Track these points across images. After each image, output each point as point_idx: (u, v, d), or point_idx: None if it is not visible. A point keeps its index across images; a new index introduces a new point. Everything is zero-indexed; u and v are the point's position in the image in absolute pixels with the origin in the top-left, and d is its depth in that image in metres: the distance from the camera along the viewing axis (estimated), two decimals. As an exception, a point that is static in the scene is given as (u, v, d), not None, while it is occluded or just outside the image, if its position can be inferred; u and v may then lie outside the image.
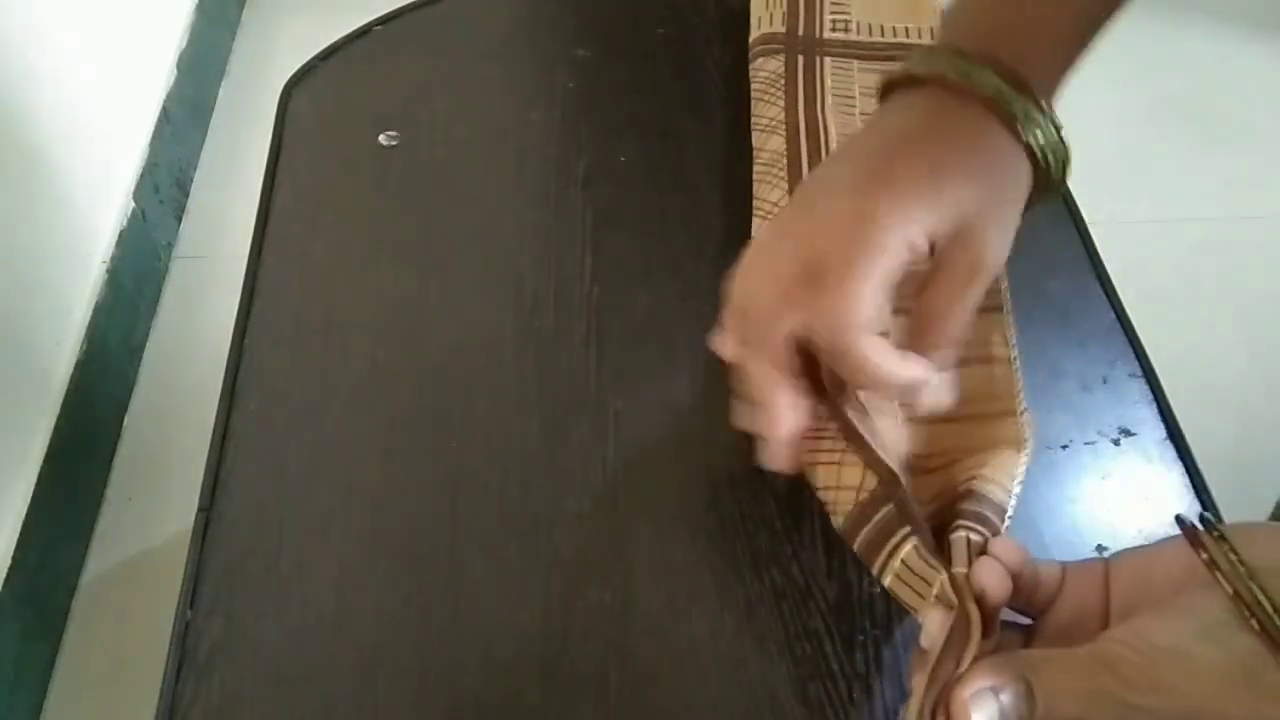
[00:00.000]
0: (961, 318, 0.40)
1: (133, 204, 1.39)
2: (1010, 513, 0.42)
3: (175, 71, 1.55)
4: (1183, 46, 1.78)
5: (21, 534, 1.09)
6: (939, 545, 0.40)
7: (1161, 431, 0.51)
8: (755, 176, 0.59)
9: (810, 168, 0.58)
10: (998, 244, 0.39)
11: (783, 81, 0.63)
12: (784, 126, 0.60)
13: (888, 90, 0.42)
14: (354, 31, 0.70)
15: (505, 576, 0.45)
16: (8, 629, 1.05)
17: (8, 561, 1.06)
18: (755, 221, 0.57)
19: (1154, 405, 0.52)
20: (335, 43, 0.69)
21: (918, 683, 0.35)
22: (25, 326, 1.14)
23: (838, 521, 0.43)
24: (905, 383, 0.39)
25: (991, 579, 0.37)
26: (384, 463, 0.49)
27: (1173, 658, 0.31)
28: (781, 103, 0.61)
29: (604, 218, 0.59)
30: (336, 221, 0.60)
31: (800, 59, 0.64)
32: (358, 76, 0.68)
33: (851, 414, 0.43)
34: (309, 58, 0.68)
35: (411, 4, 0.72)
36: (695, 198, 0.60)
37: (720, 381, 0.51)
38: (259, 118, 0.76)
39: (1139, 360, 0.53)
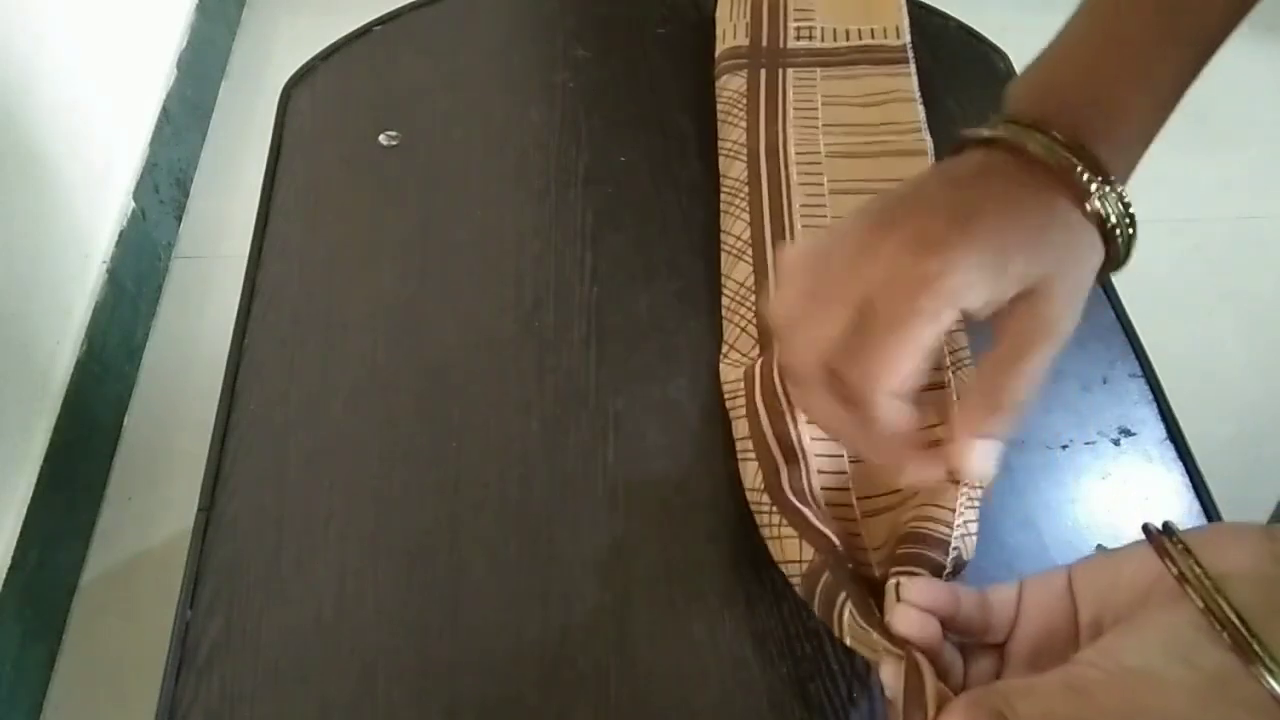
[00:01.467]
0: (1021, 385, 0.39)
1: (133, 204, 1.39)
2: (954, 544, 0.41)
3: (175, 71, 1.55)
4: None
5: (21, 534, 1.09)
6: (879, 597, 0.40)
7: (1161, 431, 0.51)
8: (721, 207, 0.58)
9: (770, 194, 0.57)
10: (1065, 312, 0.39)
11: (745, 101, 0.62)
12: (744, 151, 0.60)
13: (959, 149, 0.42)
14: (354, 31, 0.70)
15: (505, 576, 0.45)
16: (8, 629, 1.05)
17: (8, 561, 1.06)
18: (722, 255, 0.56)
19: (1154, 405, 0.52)
20: (335, 43, 0.69)
21: None
22: (25, 326, 1.14)
23: (799, 590, 0.43)
24: (890, 459, 0.39)
25: (907, 626, 0.37)
26: (384, 463, 0.49)
27: (1144, 679, 0.31)
28: (743, 124, 0.61)
29: (604, 218, 0.59)
30: (336, 221, 0.60)
31: (763, 74, 0.64)
32: (358, 76, 0.68)
33: (786, 476, 0.44)
34: (309, 58, 0.68)
35: (411, 4, 0.72)
36: (695, 198, 0.60)
37: (719, 382, 0.51)
38: (259, 118, 0.76)
39: (1139, 360, 0.53)
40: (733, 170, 0.59)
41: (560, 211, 0.59)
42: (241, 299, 0.56)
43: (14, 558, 1.07)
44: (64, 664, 1.13)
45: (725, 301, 0.54)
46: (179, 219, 1.54)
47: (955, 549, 0.41)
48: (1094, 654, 0.33)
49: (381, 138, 0.63)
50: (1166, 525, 0.34)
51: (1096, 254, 0.39)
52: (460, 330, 0.54)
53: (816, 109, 0.62)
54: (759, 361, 0.50)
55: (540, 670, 0.43)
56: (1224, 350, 1.44)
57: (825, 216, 0.56)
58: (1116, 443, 0.50)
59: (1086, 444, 0.50)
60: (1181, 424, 0.51)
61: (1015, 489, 0.48)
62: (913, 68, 0.64)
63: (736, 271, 0.55)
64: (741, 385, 0.50)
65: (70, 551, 1.19)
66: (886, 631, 0.37)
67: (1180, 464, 0.50)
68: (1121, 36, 0.41)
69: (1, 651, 1.04)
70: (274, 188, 0.61)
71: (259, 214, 0.60)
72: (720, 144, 0.61)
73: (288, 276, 0.57)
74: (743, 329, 0.52)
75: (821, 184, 0.58)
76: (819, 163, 0.59)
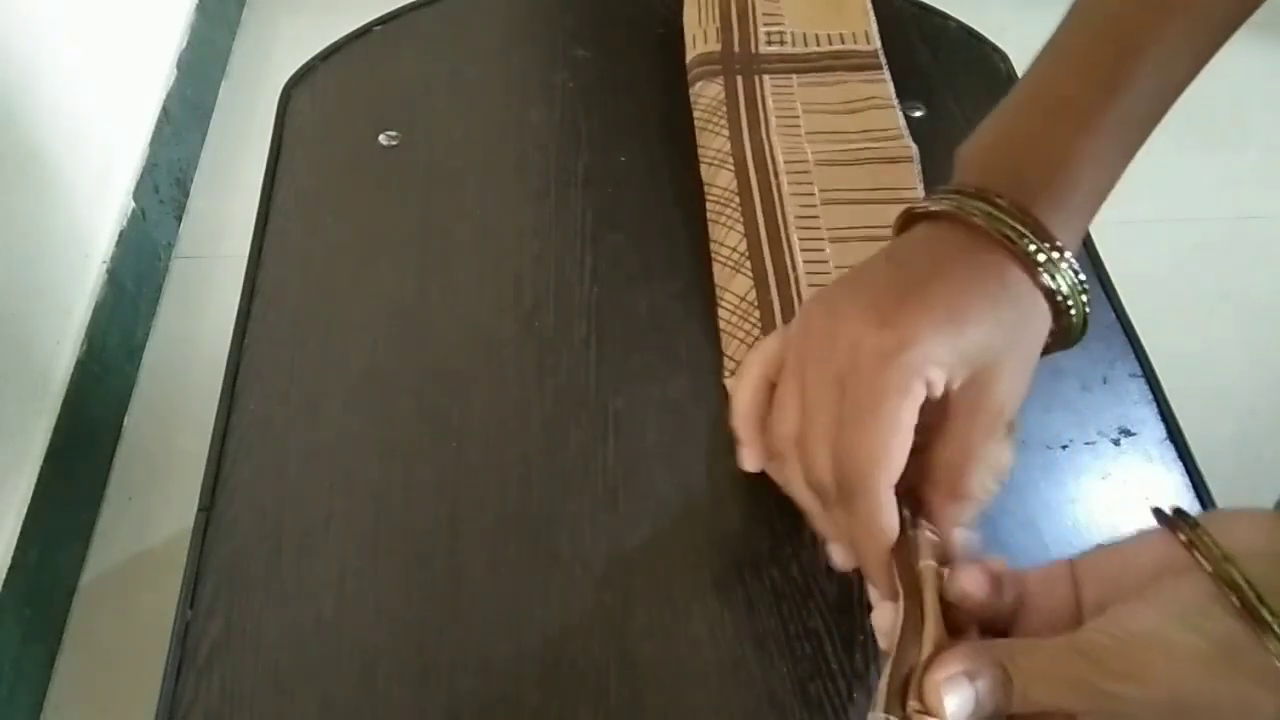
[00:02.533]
0: (978, 467, 0.39)
1: (133, 204, 1.39)
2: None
3: (175, 71, 1.55)
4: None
5: (21, 534, 1.09)
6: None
7: (1161, 431, 0.51)
8: (709, 217, 0.58)
9: (762, 204, 0.57)
10: (1013, 390, 0.39)
11: (724, 109, 0.62)
12: (731, 160, 0.59)
13: (907, 222, 0.42)
14: (354, 31, 0.70)
15: (505, 576, 0.45)
16: (8, 629, 1.05)
17: (8, 561, 1.06)
18: (715, 266, 0.56)
19: (1154, 405, 0.52)
20: (335, 43, 0.69)
21: (884, 674, 0.36)
22: (25, 326, 1.14)
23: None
24: (876, 575, 0.39)
25: (976, 586, 0.36)
26: (384, 463, 0.49)
27: (1152, 644, 0.31)
28: (726, 133, 0.61)
29: (604, 218, 0.59)
30: (336, 221, 0.60)
31: (739, 80, 0.64)
32: (358, 76, 0.68)
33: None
34: (309, 58, 0.68)
35: (411, 4, 0.72)
36: (695, 198, 0.60)
37: (719, 382, 0.51)
38: (259, 118, 0.76)
39: (1139, 360, 0.53)
40: (719, 179, 0.59)
41: (560, 212, 0.59)
42: (241, 299, 0.56)
43: (14, 558, 1.07)
44: (64, 664, 1.13)
45: (724, 314, 0.53)
46: (179, 219, 1.54)
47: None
48: (1102, 622, 0.33)
49: (381, 138, 0.63)
50: (1177, 510, 0.34)
51: (1046, 324, 0.39)
52: (460, 330, 0.54)
53: (798, 116, 0.62)
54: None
55: (540, 670, 0.43)
56: (1224, 350, 1.43)
57: (819, 226, 0.56)
58: (1116, 443, 0.50)
59: (1086, 444, 0.50)
60: (1181, 424, 0.51)
61: (1015, 489, 0.48)
62: (887, 74, 0.64)
63: (735, 284, 0.54)
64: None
65: (70, 551, 1.19)
66: (895, 568, 0.38)
67: (1180, 464, 0.50)
68: (1065, 100, 0.40)
69: (1, 651, 1.04)
70: (274, 188, 0.61)
71: (259, 214, 0.60)
72: (702, 152, 0.61)
73: (288, 276, 0.57)
74: (746, 344, 0.52)
75: (813, 193, 0.58)
76: (809, 171, 0.59)
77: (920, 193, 0.58)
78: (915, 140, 0.61)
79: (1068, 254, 0.39)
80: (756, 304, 0.53)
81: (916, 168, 0.59)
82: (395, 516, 0.47)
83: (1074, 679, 0.32)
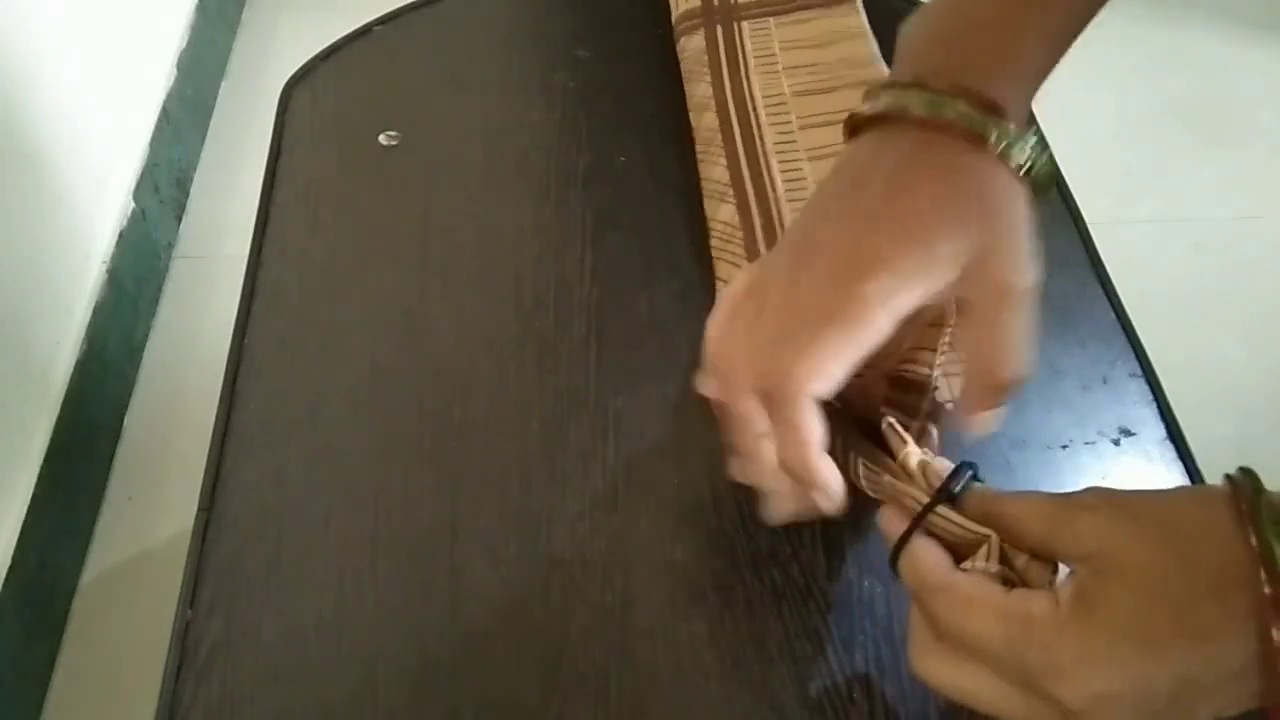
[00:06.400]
0: (1013, 347, 0.38)
1: (133, 204, 1.39)
2: (935, 383, 0.43)
3: (175, 71, 1.55)
4: (1183, 46, 1.78)
5: (21, 534, 1.09)
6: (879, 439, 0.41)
7: (1161, 431, 0.51)
8: (697, 156, 0.61)
9: (743, 138, 0.60)
10: (1017, 266, 0.38)
11: (706, 58, 0.65)
12: (713, 102, 0.62)
13: (854, 129, 0.41)
14: (354, 31, 0.70)
15: (505, 576, 0.45)
16: (8, 629, 1.05)
17: (8, 561, 1.06)
18: (706, 201, 0.58)
19: (1154, 405, 0.52)
20: (335, 43, 0.69)
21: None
22: (25, 326, 1.14)
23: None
24: (811, 475, 0.39)
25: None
26: (384, 463, 0.49)
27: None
28: (708, 78, 0.64)
29: (604, 218, 0.59)
30: (336, 221, 0.60)
31: (719, 29, 0.66)
32: (358, 76, 0.68)
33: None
34: (309, 58, 0.68)
35: (411, 4, 0.72)
36: (695, 198, 0.60)
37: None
38: (259, 118, 0.76)
39: (1139, 360, 0.53)
40: (704, 121, 0.62)
41: (560, 211, 0.59)
42: (241, 299, 0.56)
43: (14, 558, 1.07)
44: (64, 664, 1.13)
45: (714, 241, 0.57)
46: (179, 219, 1.54)
47: (935, 388, 0.43)
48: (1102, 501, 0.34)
49: (381, 137, 0.63)
50: (1244, 470, 0.33)
51: (1017, 196, 0.38)
52: (460, 330, 0.54)
53: (776, 54, 0.65)
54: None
55: (540, 670, 0.43)
56: (1224, 350, 1.44)
57: (798, 148, 0.59)
58: (1116, 443, 0.50)
59: (1086, 444, 0.50)
60: (1181, 424, 0.51)
61: (1015, 489, 0.48)
62: (859, 4, 0.67)
63: (721, 213, 0.57)
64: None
65: (70, 551, 1.19)
66: (897, 472, 0.39)
67: (1180, 464, 0.50)
68: None
69: (1, 651, 1.04)
70: (274, 188, 0.61)
71: (259, 214, 0.60)
72: (689, 99, 0.64)
73: (288, 276, 0.57)
74: (734, 264, 0.55)
75: (790, 120, 0.61)
76: (785, 103, 0.62)
77: None
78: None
79: (1019, 119, 0.38)
80: (740, 227, 0.56)
81: None
82: (395, 516, 0.47)
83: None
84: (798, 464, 0.38)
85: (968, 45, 0.39)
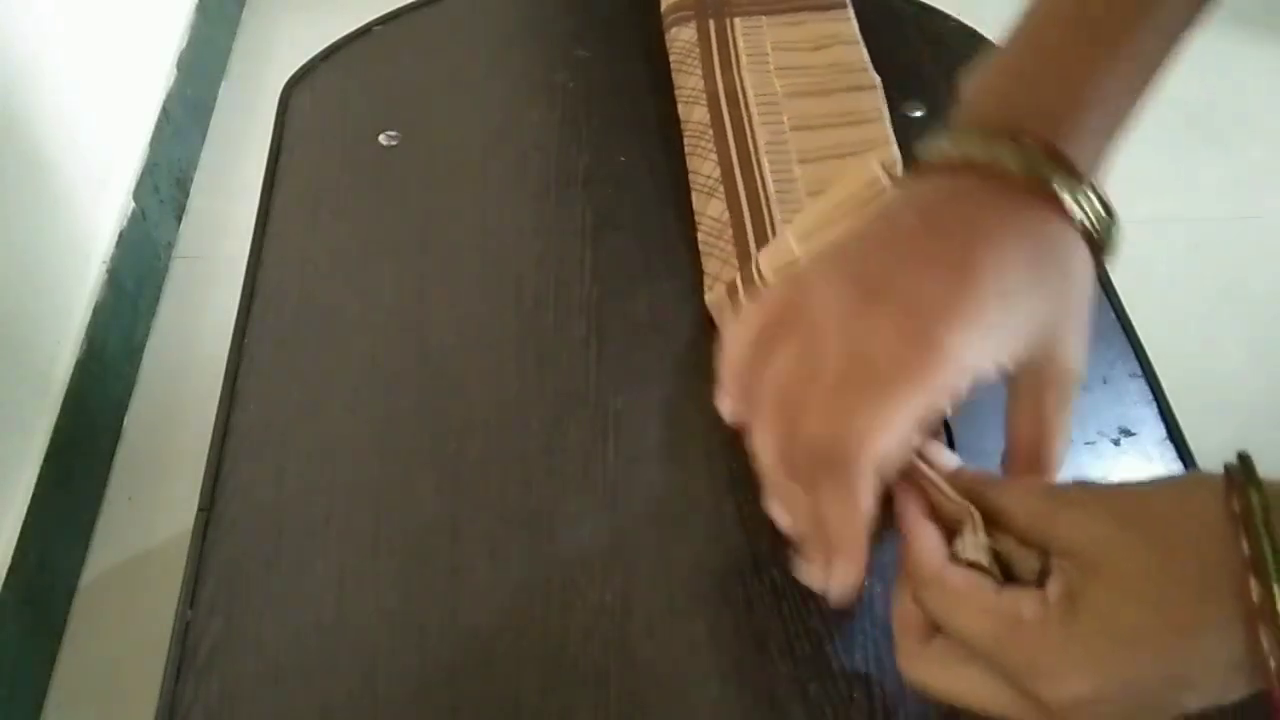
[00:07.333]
0: (1064, 435, 0.37)
1: (133, 204, 1.39)
2: None
3: (175, 71, 1.55)
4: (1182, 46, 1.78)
5: (21, 534, 1.09)
6: None
7: (1161, 431, 0.51)
8: (686, 150, 0.61)
9: (734, 134, 0.60)
10: (1077, 351, 0.36)
11: (698, 50, 0.65)
12: (704, 96, 0.62)
13: (923, 167, 0.39)
14: (354, 31, 0.70)
15: (505, 576, 0.45)
16: (8, 629, 1.05)
17: (8, 561, 1.06)
18: (694, 194, 0.59)
19: (1154, 405, 0.52)
20: (335, 43, 0.69)
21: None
22: (25, 326, 1.14)
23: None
24: (850, 551, 0.36)
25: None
26: (384, 463, 0.49)
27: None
28: (699, 71, 0.64)
29: (604, 218, 0.59)
30: (336, 221, 0.60)
31: (711, 23, 0.67)
32: (358, 76, 0.68)
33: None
34: (309, 58, 0.68)
35: (411, 4, 0.72)
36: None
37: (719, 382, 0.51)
38: (259, 118, 0.76)
39: (1139, 360, 0.53)
40: (694, 115, 0.62)
41: (560, 211, 0.59)
42: (241, 299, 0.56)
43: (14, 558, 1.07)
44: (64, 664, 1.13)
45: (702, 237, 0.57)
46: (179, 219, 1.54)
47: None
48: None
49: (381, 138, 0.63)
50: (1243, 457, 0.33)
51: (1089, 266, 0.37)
52: (460, 330, 0.54)
53: (768, 53, 0.65)
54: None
55: (540, 670, 0.43)
56: (1224, 350, 1.43)
57: (789, 150, 0.59)
58: (1116, 443, 0.50)
59: (1086, 444, 0.50)
60: (1181, 424, 0.51)
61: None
62: (850, 11, 0.67)
63: (710, 208, 0.57)
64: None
65: (70, 551, 1.19)
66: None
67: (1180, 464, 0.50)
68: (1089, 18, 0.38)
69: (1, 651, 1.04)
70: (274, 188, 0.61)
71: (259, 214, 0.60)
72: (678, 91, 0.64)
73: (288, 276, 0.57)
74: (724, 261, 0.55)
75: (782, 122, 0.61)
76: (777, 103, 0.62)
77: (885, 120, 0.61)
78: (915, 140, 0.61)
79: (1091, 183, 0.37)
80: (730, 224, 0.56)
81: (880, 95, 0.62)
82: (395, 516, 0.47)
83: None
84: (841, 535, 0.36)
85: (1049, 95, 0.38)
